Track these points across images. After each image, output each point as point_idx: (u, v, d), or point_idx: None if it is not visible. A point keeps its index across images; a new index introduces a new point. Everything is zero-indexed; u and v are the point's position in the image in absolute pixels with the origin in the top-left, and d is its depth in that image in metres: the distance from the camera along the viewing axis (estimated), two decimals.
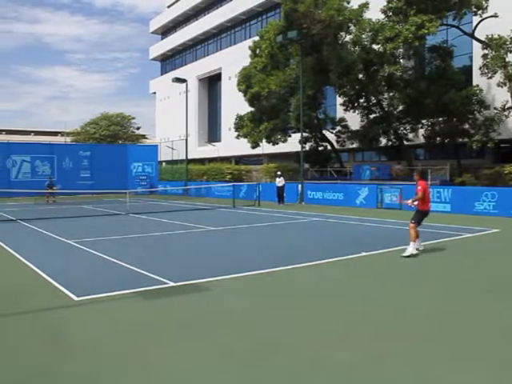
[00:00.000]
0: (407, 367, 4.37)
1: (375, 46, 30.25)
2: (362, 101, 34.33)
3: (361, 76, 31.59)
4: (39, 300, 6.71)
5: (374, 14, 29.75)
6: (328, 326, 5.57)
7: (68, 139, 68.56)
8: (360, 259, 9.66)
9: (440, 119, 30.65)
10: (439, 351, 4.74)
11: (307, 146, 37.76)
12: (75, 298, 6.70)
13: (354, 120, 35.77)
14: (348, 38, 32.01)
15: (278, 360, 4.56)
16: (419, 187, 10.34)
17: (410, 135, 33.94)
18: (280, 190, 25.85)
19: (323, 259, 9.37)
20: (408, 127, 33.44)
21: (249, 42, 40.76)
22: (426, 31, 26.38)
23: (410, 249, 9.96)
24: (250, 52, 37.23)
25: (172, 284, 7.48)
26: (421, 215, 10.47)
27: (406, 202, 11.16)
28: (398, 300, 6.72)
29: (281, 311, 6.18)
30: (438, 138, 31.63)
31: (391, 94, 32.21)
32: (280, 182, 25.88)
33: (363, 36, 30.73)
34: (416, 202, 10.46)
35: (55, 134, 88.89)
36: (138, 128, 70.08)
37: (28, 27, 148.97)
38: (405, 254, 9.83)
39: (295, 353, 4.72)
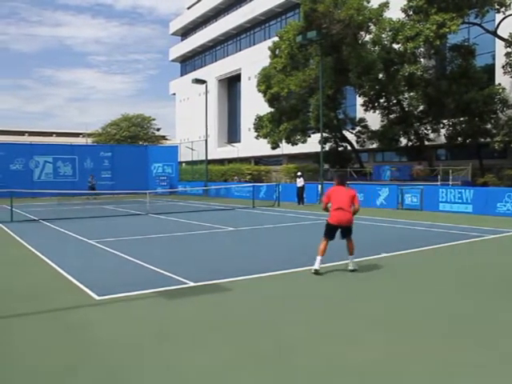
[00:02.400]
0: (425, 369, 4.33)
1: (395, 46, 30.05)
2: (382, 101, 34.11)
3: (381, 76, 31.39)
4: (61, 299, 6.79)
5: (394, 13, 29.55)
6: (348, 326, 5.54)
7: (89, 140, 69.25)
8: (380, 260, 9.59)
9: (461, 119, 30.33)
10: (458, 353, 4.69)
11: (327, 147, 37.66)
12: (96, 298, 6.77)
13: (374, 120, 35.56)
14: (368, 37, 31.84)
15: (297, 360, 4.55)
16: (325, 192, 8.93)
17: (431, 135, 33.64)
18: (300, 191, 25.79)
19: (343, 260, 9.32)
20: (429, 127, 33.16)
21: (268, 43, 40.77)
22: (448, 30, 26.12)
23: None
24: (269, 52, 37.22)
25: (192, 284, 7.52)
26: (326, 228, 8.73)
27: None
28: (417, 301, 6.66)
29: (301, 312, 6.16)
30: (460, 138, 31.31)
31: (411, 94, 31.93)
32: (300, 182, 25.82)
33: (383, 35, 30.53)
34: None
35: (76, 135, 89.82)
36: (158, 129, 70.53)
37: (51, 30, 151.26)
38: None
39: (314, 353, 4.71)
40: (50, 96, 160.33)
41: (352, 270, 8.49)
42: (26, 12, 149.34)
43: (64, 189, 31.02)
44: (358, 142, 37.57)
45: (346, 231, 8.63)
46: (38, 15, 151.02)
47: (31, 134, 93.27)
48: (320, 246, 8.55)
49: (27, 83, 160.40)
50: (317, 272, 8.24)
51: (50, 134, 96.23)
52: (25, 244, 12.02)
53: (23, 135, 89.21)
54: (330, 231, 8.65)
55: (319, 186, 27.00)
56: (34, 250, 11.09)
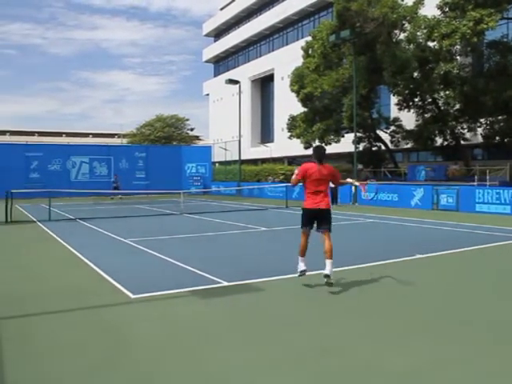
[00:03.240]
0: (468, 377, 4.26)
1: (431, 44, 29.64)
2: (416, 100, 33.68)
3: (415, 74, 31.01)
4: (97, 297, 6.91)
5: (430, 10, 29.14)
6: (384, 329, 5.48)
7: (124, 141, 70.26)
8: (415, 262, 9.47)
9: (499, 117, 29.71)
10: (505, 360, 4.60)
11: (361, 147, 37.37)
12: (132, 296, 6.85)
13: (409, 119, 35.12)
14: (402, 35, 31.49)
15: (332, 363, 4.52)
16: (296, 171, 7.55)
17: (468, 134, 33.04)
18: (333, 191, 25.62)
19: (377, 261, 9.24)
20: (465, 126, 32.58)
21: (301, 42, 40.69)
22: (485, 26, 25.60)
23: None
24: (302, 52, 37.15)
25: (226, 284, 7.55)
26: (303, 215, 7.59)
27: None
28: (456, 304, 6.55)
29: (336, 313, 6.13)
30: (498, 138, 30.68)
31: (447, 93, 31.42)
32: None
33: (418, 33, 30.14)
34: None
35: (112, 135, 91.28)
36: (191, 129, 71.06)
37: (87, 34, 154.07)
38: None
39: (350, 356, 4.67)
40: (86, 98, 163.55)
41: (329, 283, 7.12)
42: (63, 16, 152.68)
43: (100, 188, 31.53)
44: (392, 142, 37.16)
45: (324, 218, 7.47)
46: (75, 19, 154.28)
47: (68, 135, 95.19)
48: (300, 242, 7.55)
49: (65, 86, 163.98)
50: (303, 273, 7.37)
51: (86, 135, 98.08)
52: (62, 242, 12.27)
53: (61, 136, 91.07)
54: (307, 218, 7.51)
55: (353, 187, 26.79)
56: (70, 248, 11.31)
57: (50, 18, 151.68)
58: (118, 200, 31.87)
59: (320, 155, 7.48)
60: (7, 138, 69.92)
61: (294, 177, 7.54)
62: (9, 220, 17.34)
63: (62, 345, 5.03)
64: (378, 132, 37.58)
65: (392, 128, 37.08)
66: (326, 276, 7.09)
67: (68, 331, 5.46)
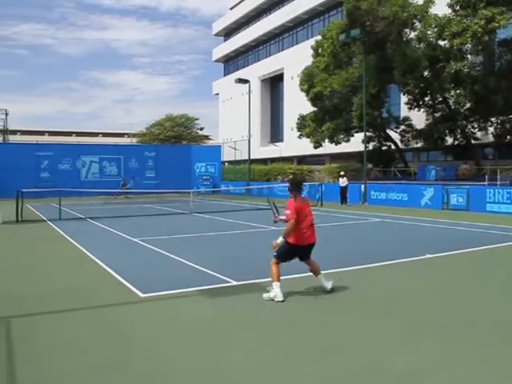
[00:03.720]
0: (472, 377, 4.23)
1: (441, 42, 29.47)
2: (427, 99, 33.51)
3: (426, 73, 30.85)
4: (106, 296, 6.94)
5: (440, 8, 28.98)
6: (392, 330, 5.45)
7: (134, 140, 70.47)
8: (425, 261, 9.41)
9: (510, 116, 29.47)
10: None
11: (370, 146, 37.23)
12: (141, 295, 6.88)
13: (419, 119, 34.95)
14: (413, 34, 31.34)
15: (339, 363, 4.51)
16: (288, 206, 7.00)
17: (478, 134, 32.81)
18: (343, 191, 25.56)
19: (386, 261, 9.21)
20: (476, 125, 32.35)
21: (311, 42, 40.61)
22: (497, 24, 25.42)
23: (274, 291, 6.61)
24: (312, 51, 37.09)
25: (235, 283, 7.55)
26: (287, 249, 6.83)
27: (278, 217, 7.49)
28: (463, 304, 6.50)
29: (344, 313, 6.12)
30: (508, 137, 30.45)
31: (458, 92, 31.22)
32: (343, 182, 25.59)
33: (429, 32, 29.98)
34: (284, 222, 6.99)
35: (122, 135, 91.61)
36: (201, 129, 71.18)
37: (97, 34, 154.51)
38: (265, 296, 6.68)
39: (357, 356, 4.66)
40: (96, 98, 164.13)
41: (330, 290, 6.98)
42: (74, 17, 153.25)
43: (110, 188, 31.64)
44: (402, 141, 37.00)
45: (310, 250, 7.09)
46: (85, 19, 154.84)
47: (78, 134, 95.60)
48: (273, 270, 6.73)
49: (75, 85, 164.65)
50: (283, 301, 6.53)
51: (96, 135, 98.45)
52: (72, 241, 12.33)
53: (71, 136, 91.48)
54: (293, 254, 6.94)
55: (362, 186, 26.71)
56: (80, 247, 11.36)
57: (61, 19, 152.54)
58: (122, 199, 32.23)
59: (300, 189, 7.30)
60: (18, 138, 70.32)
61: (293, 215, 6.84)
62: (20, 219, 17.45)
63: (70, 343, 5.05)
64: (387, 131, 37.42)
65: (402, 127, 36.92)
66: (328, 284, 7.01)
67: (77, 330, 5.49)
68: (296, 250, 6.86)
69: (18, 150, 35.95)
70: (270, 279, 6.85)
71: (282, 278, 6.76)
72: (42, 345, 5.01)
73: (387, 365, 4.42)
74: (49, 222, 17.14)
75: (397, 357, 4.61)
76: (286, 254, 6.83)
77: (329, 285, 6.99)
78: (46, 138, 77.73)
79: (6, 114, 57.91)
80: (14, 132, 73.79)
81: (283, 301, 6.50)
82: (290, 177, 6.25)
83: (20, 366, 4.44)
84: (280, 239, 6.86)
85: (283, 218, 7.03)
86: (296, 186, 7.19)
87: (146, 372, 4.31)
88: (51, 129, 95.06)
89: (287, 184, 7.16)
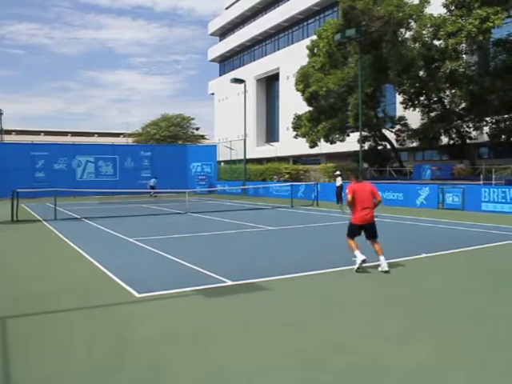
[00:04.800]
0: (473, 374, 4.24)
1: (436, 42, 29.52)
2: (422, 98, 33.56)
3: (421, 73, 30.89)
4: (102, 296, 6.93)
5: (436, 8, 29.03)
6: (392, 328, 5.47)
7: (130, 140, 70.36)
8: (420, 261, 9.44)
9: (506, 116, 29.55)
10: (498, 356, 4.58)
11: (366, 146, 37.29)
12: (137, 295, 6.87)
13: (414, 118, 35.01)
14: (408, 34, 31.38)
15: (340, 361, 4.52)
16: (347, 190, 8.81)
17: (473, 133, 32.89)
18: (339, 190, 25.56)
19: (391, 259, 9.22)
20: (471, 125, 32.43)
21: (306, 42, 40.63)
22: (491, 24, 25.49)
23: (356, 257, 8.29)
24: (307, 51, 37.10)
25: (230, 283, 7.55)
26: (350, 227, 8.69)
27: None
28: (463, 303, 6.52)
29: (343, 312, 6.12)
30: (503, 136, 30.52)
31: (453, 91, 31.32)
32: (339, 181, 25.59)
33: (424, 32, 30.03)
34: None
35: (117, 135, 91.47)
36: (197, 129, 71.15)
37: (93, 33, 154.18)
38: (355, 264, 8.26)
39: (358, 355, 4.67)
40: (92, 97, 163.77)
41: (386, 271, 8.24)
42: (70, 16, 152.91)
43: (105, 188, 31.59)
44: (397, 141, 37.06)
45: (372, 229, 8.65)
46: (81, 19, 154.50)
47: (74, 134, 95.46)
48: (351, 243, 8.54)
49: (71, 85, 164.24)
50: (364, 262, 8.20)
51: (92, 135, 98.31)
52: (68, 242, 12.31)
53: (66, 136, 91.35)
54: (356, 231, 8.64)
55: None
56: (76, 247, 11.34)
57: (57, 18, 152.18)
58: (153, 197, 33.33)
59: (359, 175, 9.26)
60: (13, 138, 70.15)
61: (349, 196, 8.71)
62: (15, 219, 17.41)
63: (67, 344, 5.04)
64: (383, 131, 37.47)
65: (397, 127, 36.97)
66: (385, 266, 8.30)
67: (73, 330, 5.48)
68: (357, 227, 8.57)
69: (13, 150, 35.90)
70: (266, 279, 6.91)
71: (282, 277, 6.97)
72: (38, 345, 5.00)
73: (389, 363, 4.43)
74: (44, 222, 17.10)
75: (398, 355, 4.62)
76: (351, 230, 8.65)
77: (385, 268, 8.27)
78: (42, 138, 77.47)
79: (1, 114, 57.72)
80: (9, 132, 73.56)
81: (364, 260, 8.17)
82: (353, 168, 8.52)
83: (15, 366, 4.43)
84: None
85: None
86: (353, 174, 9.43)
87: (143, 372, 4.31)
88: (47, 129, 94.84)
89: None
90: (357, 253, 8.29)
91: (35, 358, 4.65)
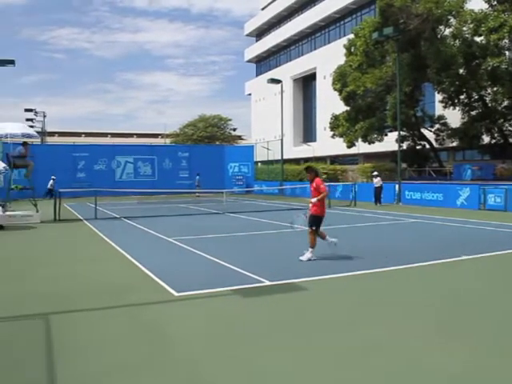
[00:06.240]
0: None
1: (477, 39, 28.90)
2: (462, 97, 32.89)
3: (461, 71, 30.29)
4: (141, 294, 7.04)
5: (476, 4, 28.43)
6: (429, 331, 5.39)
7: (167, 141, 71.12)
8: (459, 263, 9.26)
9: None
10: None
11: (404, 145, 36.76)
12: (175, 294, 6.95)
13: (454, 117, 34.35)
14: (447, 31, 30.82)
15: (376, 362, 4.48)
16: (322, 185, 9.51)
17: None
18: (377, 191, 25.33)
19: (422, 262, 9.09)
20: None
21: (343, 41, 40.34)
22: None
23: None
24: (344, 50, 36.81)
25: (268, 283, 7.57)
26: (320, 220, 9.62)
27: (311, 201, 9.60)
28: (504, 307, 6.37)
29: (381, 313, 6.06)
30: None
31: (495, 89, 30.54)
32: (377, 182, 25.35)
33: (464, 28, 29.44)
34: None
35: (155, 136, 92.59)
36: (234, 129, 71.44)
37: (131, 36, 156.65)
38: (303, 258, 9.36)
39: (394, 356, 4.62)
40: (130, 99, 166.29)
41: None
42: (108, 20, 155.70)
43: (144, 188, 32.03)
44: (436, 141, 36.42)
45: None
46: (119, 22, 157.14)
47: (113, 135, 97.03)
48: (322, 233, 9.69)
49: (110, 87, 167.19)
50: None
51: (130, 136, 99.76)
52: (107, 240, 12.55)
53: (106, 137, 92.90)
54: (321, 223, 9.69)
55: (396, 186, 26.41)
56: (116, 246, 11.55)
57: (96, 22, 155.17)
58: (196, 198, 33.31)
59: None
60: (55, 139, 71.83)
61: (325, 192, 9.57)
62: (57, 218, 17.84)
63: (106, 341, 5.15)
64: (422, 130, 36.88)
65: (437, 126, 36.34)
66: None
67: (111, 328, 5.58)
68: (322, 220, 9.54)
69: (56, 151, 36.81)
70: (303, 279, 7.06)
71: (320, 277, 7.51)
72: (80, 342, 5.11)
73: (428, 367, 4.38)
74: (85, 222, 17.47)
75: (436, 359, 4.56)
76: (319, 223, 9.52)
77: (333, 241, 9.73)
78: (83, 139, 79.17)
79: (44, 117, 59.24)
80: (52, 134, 75.36)
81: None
82: (308, 165, 9.11)
83: (59, 362, 4.54)
84: (315, 200, 9.40)
85: (316, 198, 9.41)
86: (317, 172, 10.05)
87: (179, 372, 4.35)
88: (87, 130, 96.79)
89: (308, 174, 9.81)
90: (329, 238, 9.73)
91: (75, 355, 4.75)
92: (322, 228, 9.72)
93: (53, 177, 33.34)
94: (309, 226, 9.54)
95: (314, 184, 9.52)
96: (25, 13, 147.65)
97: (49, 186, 31.87)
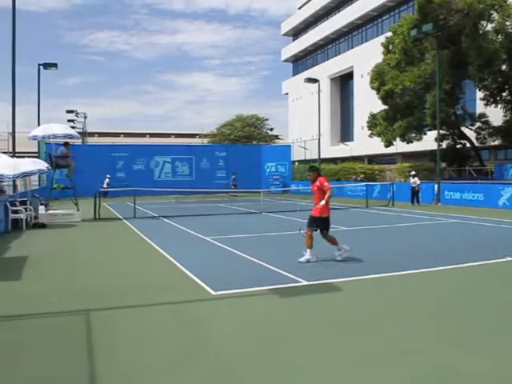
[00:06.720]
0: None
1: None
2: (505, 94, 32.09)
3: (504, 67, 29.57)
4: (178, 293, 7.12)
5: None
6: (465, 334, 5.29)
7: (205, 141, 71.61)
8: (503, 264, 9.04)
9: None
10: None
11: (444, 144, 36.06)
12: (212, 293, 7.00)
13: (496, 115, 33.54)
14: (490, 26, 30.10)
15: (412, 365, 4.42)
16: (326, 184, 9.32)
17: None
18: (415, 191, 24.96)
19: (462, 263, 8.92)
20: None
21: (381, 39, 39.89)
22: None
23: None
24: (382, 48, 36.38)
25: (305, 283, 7.55)
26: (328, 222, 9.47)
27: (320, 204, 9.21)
28: None
29: (418, 315, 5.97)
30: None
31: None
32: (415, 182, 24.96)
33: (507, 23, 28.75)
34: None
35: (193, 135, 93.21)
36: (271, 129, 71.40)
37: (169, 38, 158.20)
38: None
39: (431, 359, 4.55)
40: (168, 100, 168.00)
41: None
42: (146, 22, 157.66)
43: (181, 187, 32.31)
44: (477, 139, 35.64)
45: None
46: (157, 24, 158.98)
47: (152, 135, 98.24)
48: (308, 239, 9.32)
49: (148, 88, 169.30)
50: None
51: (168, 136, 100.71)
52: (146, 239, 12.74)
53: (145, 137, 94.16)
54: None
55: (435, 186, 25.97)
56: (154, 244, 11.72)
57: (135, 25, 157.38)
58: (231, 198, 33.30)
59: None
60: (96, 140, 73.23)
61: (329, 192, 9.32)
62: (97, 217, 18.21)
63: (144, 339, 5.21)
64: (462, 129, 36.15)
65: (478, 124, 35.55)
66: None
67: (150, 326, 5.66)
68: (329, 221, 9.38)
69: (96, 152, 37.46)
70: (340, 279, 6.98)
71: (356, 278, 7.50)
72: (118, 340, 5.19)
73: (463, 370, 4.30)
74: (124, 220, 17.77)
75: (471, 364, 4.48)
76: (328, 225, 9.40)
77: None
78: (122, 140, 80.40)
79: (85, 118, 60.49)
80: (92, 134, 76.84)
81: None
82: (312, 164, 8.84)
83: (99, 358, 4.63)
84: (323, 202, 9.08)
85: (325, 200, 9.12)
86: (319, 171, 9.92)
87: (216, 371, 4.37)
88: (126, 130, 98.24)
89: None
90: (342, 245, 9.44)
91: (116, 351, 4.84)
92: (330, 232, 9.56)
93: (108, 175, 34.10)
94: (308, 227, 9.37)
95: (318, 183, 9.33)
96: (67, 18, 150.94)
97: (104, 184, 32.61)
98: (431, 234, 13.89)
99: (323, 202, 9.05)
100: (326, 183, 9.26)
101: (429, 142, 35.57)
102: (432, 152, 34.65)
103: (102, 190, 30.87)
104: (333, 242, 9.37)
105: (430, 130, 36.19)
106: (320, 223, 9.28)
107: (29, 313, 6.19)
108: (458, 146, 37.08)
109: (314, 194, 9.52)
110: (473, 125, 36.03)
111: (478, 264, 8.90)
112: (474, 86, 34.23)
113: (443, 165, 35.41)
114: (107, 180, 33.71)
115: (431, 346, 4.90)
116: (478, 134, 35.43)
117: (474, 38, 29.08)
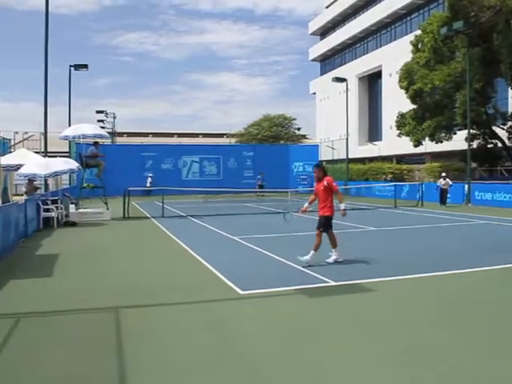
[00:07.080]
0: None
1: None
2: None
3: None
4: (206, 292, 7.17)
5: None
6: (495, 337, 5.21)
7: (232, 140, 71.81)
8: None
9: None
10: None
11: (474, 144, 35.45)
12: (240, 292, 7.04)
13: None
14: None
15: (441, 366, 4.38)
16: (334, 183, 9.26)
17: None
18: (443, 192, 24.59)
19: (493, 265, 8.78)
20: None
21: (410, 37, 39.42)
22: None
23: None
24: (411, 47, 35.93)
25: (333, 283, 7.53)
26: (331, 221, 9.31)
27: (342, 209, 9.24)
28: None
29: (447, 316, 5.92)
30: None
31: None
32: (445, 184, 24.44)
33: None
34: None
35: (221, 135, 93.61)
36: (298, 129, 71.21)
37: (197, 38, 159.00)
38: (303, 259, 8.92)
39: (459, 361, 4.51)
40: (196, 99, 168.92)
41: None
42: (174, 23, 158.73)
43: (209, 187, 32.49)
44: (509, 139, 34.95)
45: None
46: (185, 25, 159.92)
47: (180, 135, 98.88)
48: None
49: (176, 88, 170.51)
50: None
51: (196, 136, 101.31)
52: (174, 238, 12.86)
53: (173, 137, 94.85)
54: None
55: (466, 186, 25.57)
56: (182, 243, 11.82)
57: (163, 25, 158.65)
58: (258, 197, 33.35)
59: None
60: (125, 139, 74.06)
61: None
62: (126, 216, 18.44)
63: (173, 337, 5.27)
64: (493, 128, 35.49)
65: (510, 124, 34.86)
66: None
67: (177, 325, 5.71)
68: (331, 220, 9.26)
69: (125, 151, 37.96)
70: (369, 280, 6.96)
71: (384, 278, 7.45)
72: (151, 336, 5.26)
73: (492, 371, 4.25)
74: (152, 219, 17.95)
75: (496, 370, 4.42)
76: (330, 224, 9.26)
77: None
78: (150, 140, 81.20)
79: (114, 118, 61.30)
80: (121, 134, 77.78)
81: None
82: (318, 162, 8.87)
83: (128, 356, 4.70)
84: (343, 205, 9.15)
85: (344, 203, 9.31)
86: (326, 170, 9.45)
87: (242, 371, 4.38)
88: (155, 130, 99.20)
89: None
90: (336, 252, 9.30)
91: (146, 349, 4.90)
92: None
93: (150, 174, 34.47)
94: (317, 228, 9.28)
95: (325, 183, 9.10)
96: (97, 20, 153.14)
97: (147, 184, 33.02)
98: (459, 235, 13.69)
99: (342, 206, 9.12)
100: (334, 183, 9.17)
101: (459, 141, 35.03)
102: (462, 152, 34.12)
103: (146, 188, 31.39)
104: (333, 242, 9.29)
105: (460, 129, 35.60)
106: (322, 222, 9.18)
107: (60, 309, 6.31)
108: (489, 146, 36.42)
109: (317, 195, 9.37)
110: (504, 124, 35.34)
111: (510, 266, 8.75)
112: (506, 85, 33.58)
113: (474, 165, 34.86)
114: (149, 179, 34.11)
115: (460, 347, 4.85)
116: (510, 133, 34.75)
117: (507, 35, 28.51)
